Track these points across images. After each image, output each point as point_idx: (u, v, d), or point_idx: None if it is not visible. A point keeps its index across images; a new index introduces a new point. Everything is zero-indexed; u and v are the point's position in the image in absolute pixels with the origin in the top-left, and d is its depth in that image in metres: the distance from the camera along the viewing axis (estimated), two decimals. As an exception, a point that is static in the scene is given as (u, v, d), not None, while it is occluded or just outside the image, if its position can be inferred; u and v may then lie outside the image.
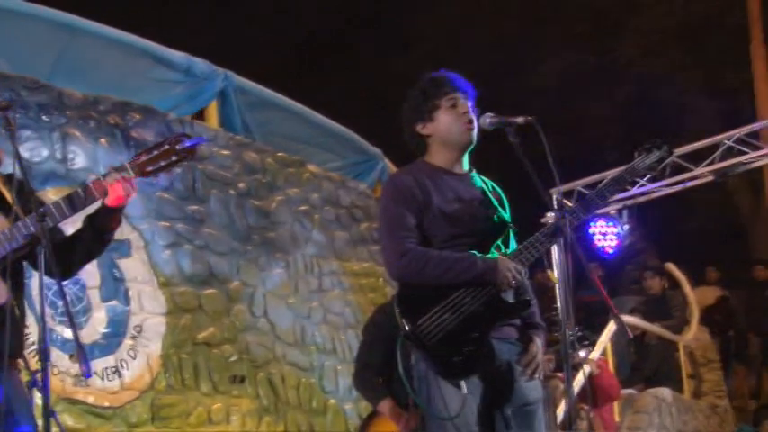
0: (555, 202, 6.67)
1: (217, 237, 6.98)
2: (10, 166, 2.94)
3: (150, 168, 3.02)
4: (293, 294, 7.52)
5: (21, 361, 3.01)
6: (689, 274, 10.64)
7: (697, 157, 8.14)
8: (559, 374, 6.12)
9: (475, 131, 3.32)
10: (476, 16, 16.56)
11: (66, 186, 5.68)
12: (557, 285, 6.92)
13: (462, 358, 3.09)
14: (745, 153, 7.97)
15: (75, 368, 5.48)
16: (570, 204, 7.07)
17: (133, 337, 6.11)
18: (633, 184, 8.23)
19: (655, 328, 9.32)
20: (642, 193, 8.48)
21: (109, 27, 6.75)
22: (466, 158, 3.39)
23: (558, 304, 6.86)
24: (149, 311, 6.29)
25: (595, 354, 7.05)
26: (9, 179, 3.00)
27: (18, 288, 3.02)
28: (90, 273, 5.88)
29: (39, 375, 2.69)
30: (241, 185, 7.36)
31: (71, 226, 3.12)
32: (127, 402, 5.89)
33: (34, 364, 2.81)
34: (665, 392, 8.71)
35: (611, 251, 9.92)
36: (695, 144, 8.14)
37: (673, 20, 15.94)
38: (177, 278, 6.58)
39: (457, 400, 3.06)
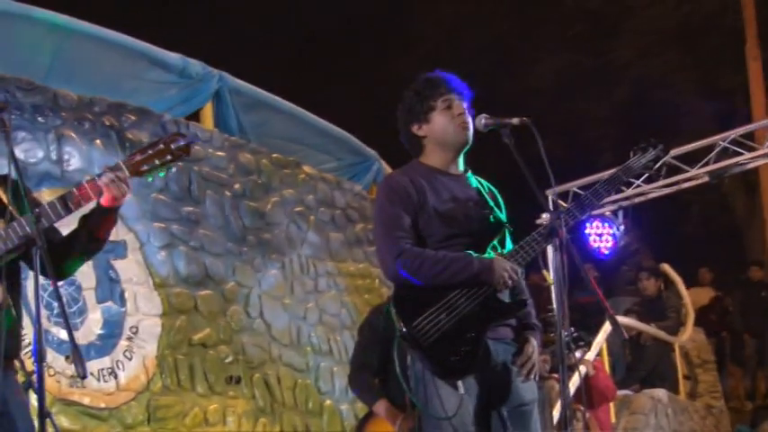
0: (550, 203, 6.67)
1: (212, 238, 6.97)
2: (5, 167, 2.93)
3: (145, 167, 3.01)
4: (289, 295, 7.52)
5: (17, 362, 3.01)
6: (684, 276, 10.65)
7: (692, 158, 8.16)
8: (555, 375, 6.11)
9: (470, 132, 3.31)
10: (475, 16, 16.57)
11: (62, 187, 5.67)
12: (552, 286, 6.92)
13: (459, 358, 3.09)
14: (741, 154, 7.99)
15: (71, 369, 5.45)
16: (565, 205, 7.07)
17: (129, 339, 6.11)
18: (629, 184, 8.25)
19: (650, 329, 9.32)
20: (638, 194, 8.50)
21: (104, 28, 6.75)
22: (461, 159, 3.39)
23: (554, 305, 6.86)
24: (145, 312, 6.28)
25: (591, 355, 7.05)
26: (4, 180, 3.00)
27: (15, 289, 3.01)
28: (85, 274, 5.88)
29: (34, 377, 2.69)
30: (236, 186, 7.36)
31: (66, 227, 3.12)
32: (123, 403, 5.89)
33: (30, 365, 2.80)
34: (661, 393, 8.71)
35: (606, 252, 9.93)
36: (690, 145, 8.16)
37: (668, 22, 15.96)
38: (173, 279, 6.58)
39: (454, 400, 3.06)
